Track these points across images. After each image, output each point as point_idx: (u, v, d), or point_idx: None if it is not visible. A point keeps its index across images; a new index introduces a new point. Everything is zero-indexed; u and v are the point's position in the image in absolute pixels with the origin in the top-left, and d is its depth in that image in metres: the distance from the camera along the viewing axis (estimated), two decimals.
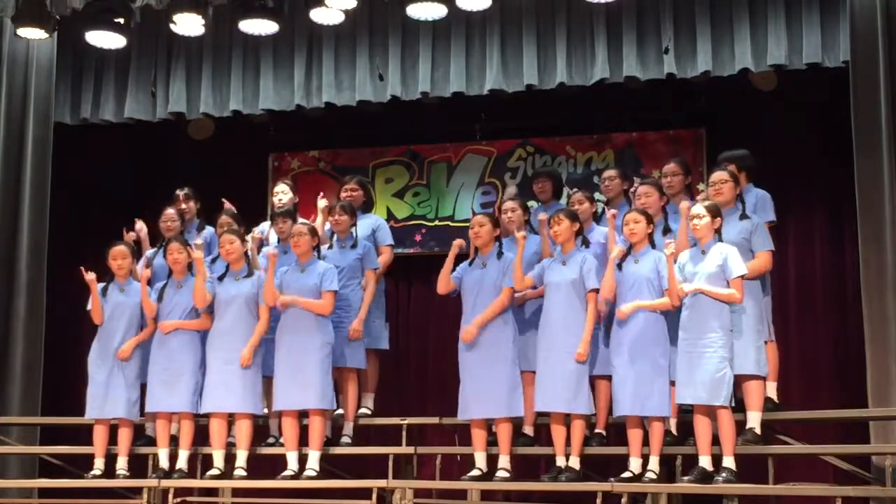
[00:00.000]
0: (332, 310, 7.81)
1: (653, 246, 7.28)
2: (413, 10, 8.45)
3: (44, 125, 9.41)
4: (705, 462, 6.92)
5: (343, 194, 8.48)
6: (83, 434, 8.57)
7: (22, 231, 9.28)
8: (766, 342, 7.28)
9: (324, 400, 7.71)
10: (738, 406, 7.11)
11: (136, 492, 8.11)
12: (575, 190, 8.49)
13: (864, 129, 7.82)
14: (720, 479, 6.80)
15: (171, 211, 8.64)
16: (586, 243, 7.54)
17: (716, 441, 6.96)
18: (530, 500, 8.25)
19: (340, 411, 8.10)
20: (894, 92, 7.77)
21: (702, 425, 6.94)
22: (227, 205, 8.61)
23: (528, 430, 7.77)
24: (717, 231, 7.05)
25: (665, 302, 7.13)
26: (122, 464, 8.12)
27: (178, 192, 8.77)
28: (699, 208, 7.06)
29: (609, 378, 7.36)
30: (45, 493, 8.60)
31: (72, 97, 9.74)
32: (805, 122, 9.09)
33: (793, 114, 9.08)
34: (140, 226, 8.72)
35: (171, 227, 8.56)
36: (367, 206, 8.68)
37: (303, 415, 7.82)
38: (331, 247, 8.22)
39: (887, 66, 7.79)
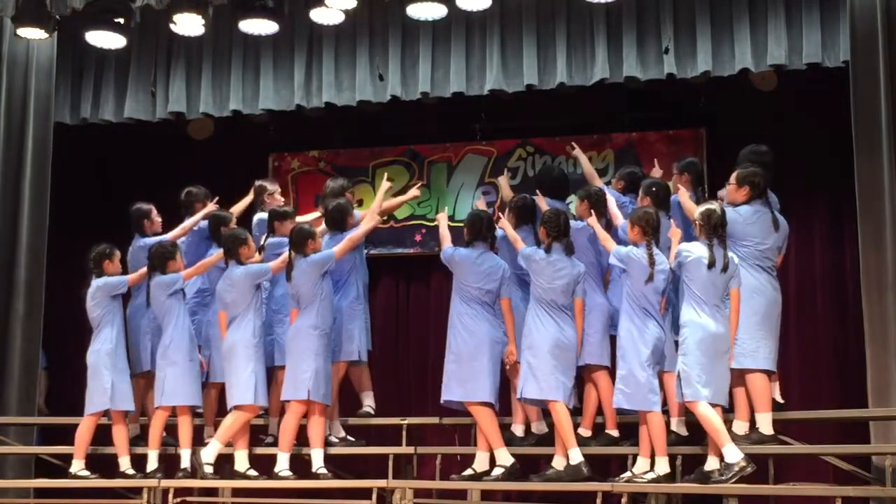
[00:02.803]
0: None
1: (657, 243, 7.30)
2: (413, 10, 8.45)
3: (44, 125, 9.40)
4: (711, 463, 6.89)
5: (349, 195, 8.55)
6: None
7: (21, 231, 9.26)
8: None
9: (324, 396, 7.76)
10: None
11: (136, 492, 8.10)
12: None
13: (864, 129, 7.82)
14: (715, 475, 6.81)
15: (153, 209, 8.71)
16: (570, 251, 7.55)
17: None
18: (530, 499, 8.25)
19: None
20: (894, 92, 7.76)
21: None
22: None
23: (537, 427, 7.78)
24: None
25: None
26: (125, 463, 8.13)
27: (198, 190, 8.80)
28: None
29: (605, 369, 7.54)
30: (43, 493, 8.58)
31: (72, 97, 9.73)
32: (805, 122, 9.09)
33: (793, 114, 9.08)
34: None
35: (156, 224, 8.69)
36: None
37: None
38: None
39: (887, 66, 7.79)
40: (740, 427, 7.09)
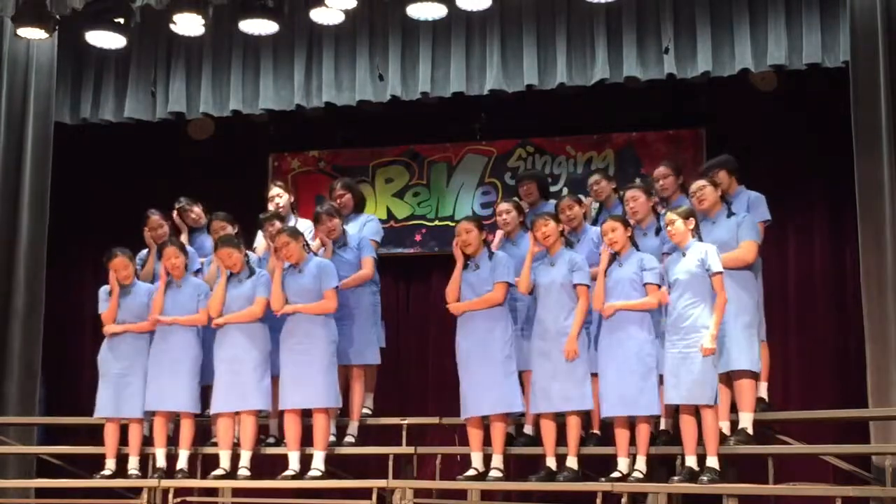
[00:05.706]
0: (336, 306, 7.80)
1: (636, 248, 7.31)
2: (413, 10, 8.46)
3: (44, 125, 9.39)
4: (691, 462, 6.91)
5: (337, 202, 8.47)
6: (82, 434, 8.57)
7: (21, 230, 9.26)
8: (760, 341, 7.31)
9: (329, 399, 7.73)
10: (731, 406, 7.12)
11: (135, 492, 8.10)
12: (563, 195, 8.54)
13: (864, 129, 7.82)
14: (705, 479, 6.77)
15: (156, 217, 8.61)
16: (570, 244, 7.55)
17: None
18: (530, 500, 8.25)
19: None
20: (894, 92, 7.76)
21: (687, 425, 6.94)
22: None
23: (528, 429, 7.78)
24: (694, 231, 7.06)
25: (646, 301, 7.14)
26: (133, 463, 8.11)
27: (177, 205, 8.69)
28: (670, 215, 7.10)
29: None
30: (43, 493, 8.57)
31: (72, 97, 9.73)
32: (805, 122, 9.09)
33: (793, 114, 9.08)
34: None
35: (159, 235, 8.55)
36: (360, 207, 8.67)
37: (306, 414, 7.82)
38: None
39: (887, 66, 7.78)
40: (723, 426, 7.10)
